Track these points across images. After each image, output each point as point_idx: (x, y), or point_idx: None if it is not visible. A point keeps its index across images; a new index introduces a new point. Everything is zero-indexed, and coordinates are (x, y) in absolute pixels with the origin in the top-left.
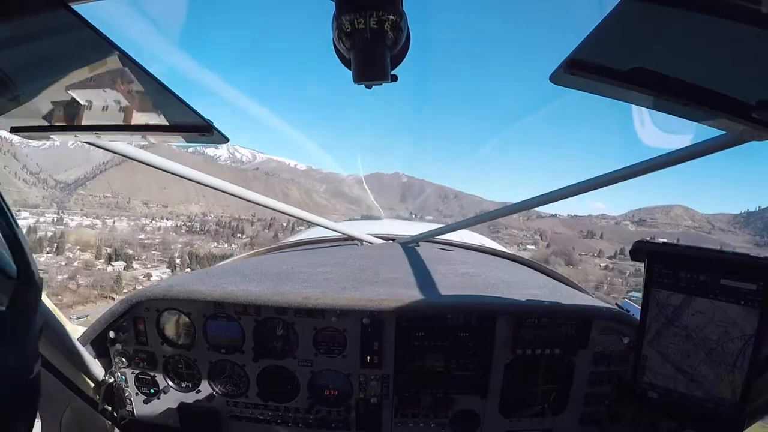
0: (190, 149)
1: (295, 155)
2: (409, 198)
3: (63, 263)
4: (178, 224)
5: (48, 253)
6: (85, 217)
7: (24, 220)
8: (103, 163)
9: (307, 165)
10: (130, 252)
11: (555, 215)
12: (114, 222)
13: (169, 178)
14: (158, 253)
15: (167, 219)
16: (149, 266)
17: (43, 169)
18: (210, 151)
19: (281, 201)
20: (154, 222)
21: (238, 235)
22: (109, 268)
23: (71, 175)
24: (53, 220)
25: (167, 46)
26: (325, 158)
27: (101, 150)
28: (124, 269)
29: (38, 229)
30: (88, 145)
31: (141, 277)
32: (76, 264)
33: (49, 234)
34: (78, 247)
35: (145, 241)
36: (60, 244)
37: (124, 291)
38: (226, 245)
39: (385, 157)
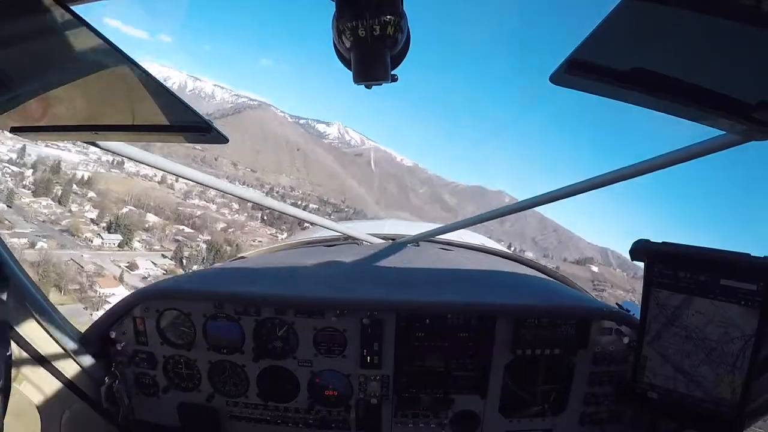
0: (301, 121)
1: (403, 149)
2: (507, 220)
3: (51, 218)
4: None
5: (52, 200)
6: None
7: (79, 156)
8: (209, 113)
9: (413, 162)
10: (151, 221)
11: None
12: (177, 179)
13: (265, 142)
14: (189, 230)
15: (248, 185)
16: (156, 249)
17: None
18: (321, 127)
19: (377, 192)
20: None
21: (306, 225)
22: (96, 240)
23: None
24: (112, 161)
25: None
26: (432, 159)
27: (210, 99)
28: (117, 246)
29: (77, 167)
30: (201, 93)
31: (110, 271)
32: (64, 223)
33: (86, 175)
34: (97, 199)
35: (186, 210)
36: (65, 192)
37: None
38: (282, 236)
39: (491, 170)
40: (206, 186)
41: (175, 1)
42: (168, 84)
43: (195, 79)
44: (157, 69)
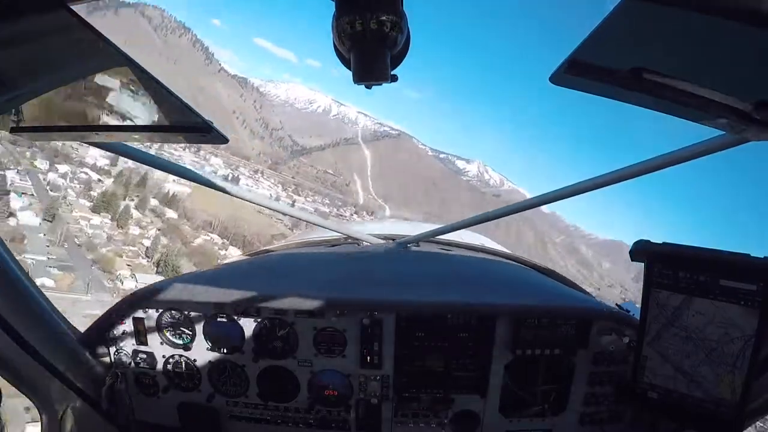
0: (441, 155)
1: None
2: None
3: (95, 241)
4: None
5: (111, 219)
6: (280, 186)
7: (203, 167)
8: (346, 139)
9: (551, 209)
10: (229, 257)
11: None
12: (294, 202)
13: (400, 172)
14: None
15: (373, 216)
16: None
17: (284, 127)
18: (461, 163)
19: (513, 239)
20: (355, 216)
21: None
22: (128, 282)
23: (313, 141)
24: (228, 176)
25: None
26: (570, 207)
27: (353, 125)
28: None
29: (168, 179)
30: (344, 119)
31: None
32: (103, 251)
33: (171, 191)
34: (175, 220)
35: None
36: (125, 210)
37: None
38: None
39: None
40: (213, 188)
41: (325, 28)
42: (313, 107)
43: (339, 104)
44: (304, 92)
